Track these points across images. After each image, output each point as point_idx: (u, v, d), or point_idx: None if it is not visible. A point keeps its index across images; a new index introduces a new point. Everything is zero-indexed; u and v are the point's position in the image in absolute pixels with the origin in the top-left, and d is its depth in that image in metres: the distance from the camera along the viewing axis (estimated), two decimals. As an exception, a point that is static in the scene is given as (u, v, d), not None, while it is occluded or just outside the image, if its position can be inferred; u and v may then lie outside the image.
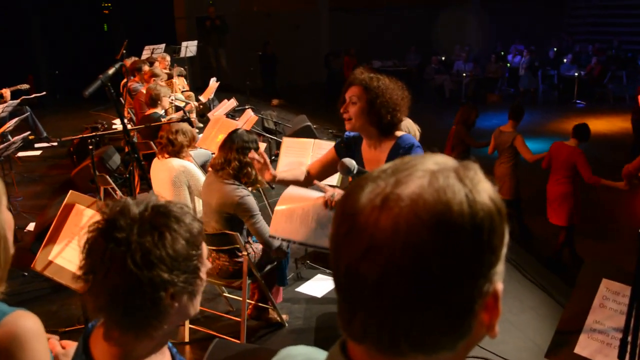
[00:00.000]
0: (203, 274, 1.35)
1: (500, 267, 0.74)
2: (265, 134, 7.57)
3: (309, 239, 2.78)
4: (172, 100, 6.22)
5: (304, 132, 7.76)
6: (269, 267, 4.04)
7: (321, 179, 3.18)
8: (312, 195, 2.82)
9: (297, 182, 3.11)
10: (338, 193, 2.61)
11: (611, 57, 15.95)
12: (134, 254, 1.20)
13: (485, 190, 0.73)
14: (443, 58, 16.18)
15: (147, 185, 4.53)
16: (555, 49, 16.54)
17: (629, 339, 1.84)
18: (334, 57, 15.54)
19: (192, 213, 1.35)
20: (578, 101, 14.32)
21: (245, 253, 3.73)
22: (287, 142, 5.13)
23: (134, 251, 1.21)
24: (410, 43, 17.17)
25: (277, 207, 2.88)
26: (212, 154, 5.58)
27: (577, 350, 2.36)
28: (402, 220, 0.68)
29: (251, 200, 3.76)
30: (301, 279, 4.94)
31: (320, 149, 4.89)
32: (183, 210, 1.31)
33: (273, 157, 7.72)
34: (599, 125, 11.91)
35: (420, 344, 0.71)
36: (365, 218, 0.70)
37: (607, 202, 7.24)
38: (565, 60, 15.30)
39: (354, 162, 2.39)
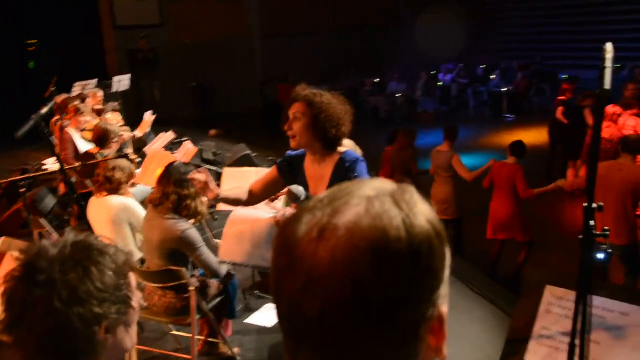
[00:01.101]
0: (135, 303, 1.31)
1: (444, 290, 0.73)
2: (204, 165, 7.47)
3: (263, 261, 2.75)
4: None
5: (244, 161, 7.71)
6: (217, 300, 3.96)
7: (264, 198, 3.18)
8: (261, 215, 2.80)
9: (239, 202, 3.08)
10: (290, 212, 2.60)
11: (535, 72, 16.67)
12: (60, 293, 1.15)
13: (422, 213, 0.72)
14: (377, 80, 16.48)
15: (86, 226, 4.38)
16: (483, 66, 17.16)
17: (577, 342, 1.90)
18: (270, 84, 15.60)
19: (116, 245, 1.31)
20: (507, 115, 14.86)
21: (192, 288, 3.64)
22: (228, 173, 5.08)
23: (60, 290, 1.15)
24: (343, 66, 17.43)
25: (226, 230, 2.84)
26: (153, 188, 5.46)
27: (528, 357, 2.41)
28: (339, 251, 0.67)
29: (194, 233, 3.69)
30: (250, 309, 4.86)
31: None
32: (105, 243, 1.28)
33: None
34: (528, 137, 12.35)
35: None
36: (303, 250, 0.69)
37: (546, 215, 7.46)
38: (493, 76, 15.89)
39: (302, 189, 2.38)
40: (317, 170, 2.96)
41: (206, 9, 16.00)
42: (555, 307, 2.42)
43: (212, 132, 12.92)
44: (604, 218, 4.58)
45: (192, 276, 3.80)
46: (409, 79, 16.43)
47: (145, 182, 5.57)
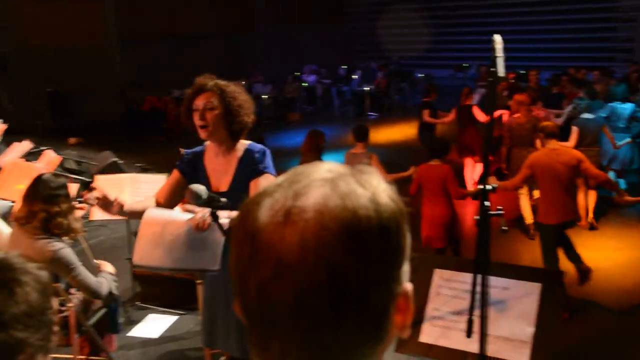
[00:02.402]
0: (56, 328, 1.20)
1: (406, 267, 0.74)
2: (69, 175, 7.01)
3: (182, 264, 2.66)
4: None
5: (111, 169, 7.35)
6: (98, 315, 3.74)
7: (173, 204, 3.04)
8: (178, 218, 2.69)
9: None
10: (209, 214, 2.52)
11: (393, 71, 17.55)
12: None
13: (385, 191, 0.72)
14: (243, 82, 16.45)
15: None
16: (345, 66, 17.74)
17: (473, 317, 2.03)
18: (131, 89, 14.98)
19: (34, 262, 1.19)
20: (370, 113, 15.49)
21: (71, 305, 3.40)
22: (101, 181, 4.80)
23: None
24: (206, 70, 17.13)
25: (141, 233, 2.69)
26: (13, 202, 5.02)
27: (422, 338, 2.53)
28: (309, 233, 0.65)
29: (67, 253, 3.38)
30: (132, 322, 4.67)
31: (138, 182, 4.66)
32: (24, 260, 1.16)
33: (79, 199, 7.18)
34: (391, 133, 13.03)
35: (343, 359, 0.69)
36: (269, 236, 0.66)
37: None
38: (355, 76, 16.48)
39: (202, 187, 2.31)
40: (221, 162, 2.92)
41: (58, 11, 15.03)
42: (444, 288, 2.57)
43: (72, 140, 12.18)
44: (553, 201, 4.89)
45: (69, 294, 3.55)
46: (274, 80, 16.58)
47: (4, 195, 5.11)
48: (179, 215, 2.64)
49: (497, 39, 1.80)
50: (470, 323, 2.04)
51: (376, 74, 16.63)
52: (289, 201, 0.68)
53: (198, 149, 3.02)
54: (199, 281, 3.48)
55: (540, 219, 5.09)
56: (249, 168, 2.85)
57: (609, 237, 6.60)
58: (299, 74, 17.44)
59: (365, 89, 15.60)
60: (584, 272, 4.93)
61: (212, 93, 2.82)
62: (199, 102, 2.81)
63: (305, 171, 0.72)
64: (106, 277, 3.62)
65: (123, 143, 12.42)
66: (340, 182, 0.69)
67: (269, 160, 2.90)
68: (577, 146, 6.47)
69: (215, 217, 2.33)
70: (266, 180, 2.82)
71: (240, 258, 0.69)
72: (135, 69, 16.31)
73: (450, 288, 2.55)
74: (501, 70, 1.73)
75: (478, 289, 2.17)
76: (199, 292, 3.51)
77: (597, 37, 17.88)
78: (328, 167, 0.73)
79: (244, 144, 2.94)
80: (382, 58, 19.32)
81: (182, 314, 4.82)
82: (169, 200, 3.02)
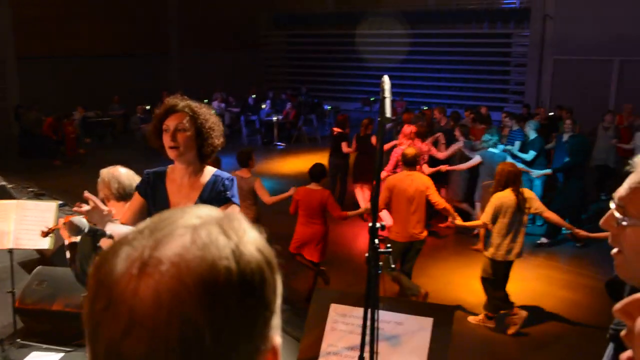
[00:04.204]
0: None
1: (276, 321, 0.71)
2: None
3: None
4: None
5: (-1, 194, 6.89)
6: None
7: None
8: None
9: None
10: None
11: (302, 102, 17.76)
12: None
13: (252, 242, 0.68)
14: (148, 107, 16.04)
15: None
16: (254, 96, 17.77)
17: (365, 355, 2.02)
18: (26, 109, 14.19)
19: None
20: (278, 143, 15.54)
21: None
22: (-19, 207, 4.45)
23: None
24: (111, 93, 16.65)
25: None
26: None
27: (317, 376, 2.49)
28: (164, 287, 0.61)
29: None
30: (12, 362, 4.30)
31: (24, 210, 4.35)
32: None
33: None
34: (299, 164, 13.09)
35: None
36: (123, 289, 0.62)
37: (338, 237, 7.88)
38: (264, 106, 16.53)
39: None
40: (185, 184, 2.83)
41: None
42: (340, 324, 2.55)
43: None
44: (403, 221, 5.38)
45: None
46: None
47: None
48: None
49: (386, 79, 1.84)
50: (361, 360, 2.03)
51: (285, 104, 16.76)
52: (147, 251, 0.64)
53: (160, 169, 2.92)
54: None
55: (392, 236, 5.56)
56: (217, 194, 2.80)
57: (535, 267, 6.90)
58: (207, 101, 17.25)
59: (273, 118, 15.65)
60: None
61: (184, 114, 2.73)
62: (170, 123, 2.72)
63: (171, 217, 0.69)
64: None
65: (15, 166, 11.72)
66: (203, 231, 0.65)
67: (235, 189, 2.86)
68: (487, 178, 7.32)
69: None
70: (232, 210, 2.73)
71: (93, 309, 0.64)
72: (32, 88, 15.55)
73: (345, 323, 2.54)
74: (388, 111, 1.77)
75: (370, 324, 2.16)
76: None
77: (492, 79, 19.02)
78: (198, 213, 0.70)
79: (210, 169, 2.88)
80: (292, 89, 19.55)
81: (68, 351, 4.50)
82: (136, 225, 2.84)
